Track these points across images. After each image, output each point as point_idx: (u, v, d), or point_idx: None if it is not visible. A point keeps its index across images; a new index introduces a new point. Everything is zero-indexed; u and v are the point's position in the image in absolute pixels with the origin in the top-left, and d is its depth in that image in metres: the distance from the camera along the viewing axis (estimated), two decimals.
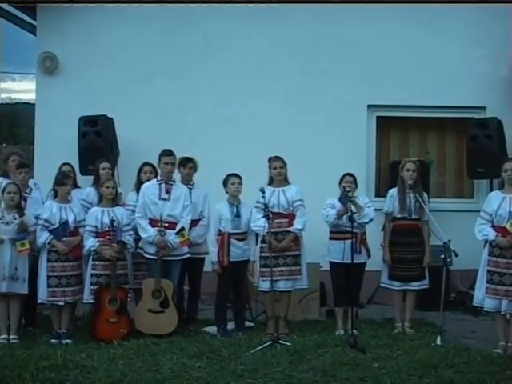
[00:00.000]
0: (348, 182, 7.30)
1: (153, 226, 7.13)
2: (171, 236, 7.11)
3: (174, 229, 7.14)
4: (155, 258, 7.10)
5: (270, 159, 7.33)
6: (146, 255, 7.23)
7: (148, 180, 7.45)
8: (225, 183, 7.37)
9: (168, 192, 7.21)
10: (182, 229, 7.11)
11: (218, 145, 9.09)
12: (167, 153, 7.27)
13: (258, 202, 7.18)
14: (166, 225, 7.09)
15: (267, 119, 9.20)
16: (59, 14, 9.22)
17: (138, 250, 7.29)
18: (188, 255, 7.32)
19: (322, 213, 7.30)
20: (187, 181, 7.54)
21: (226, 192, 7.38)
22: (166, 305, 7.05)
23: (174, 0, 9.02)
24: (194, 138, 9.02)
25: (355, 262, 6.97)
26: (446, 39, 9.23)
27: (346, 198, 7.12)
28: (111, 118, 8.94)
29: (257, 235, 7.35)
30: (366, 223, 7.32)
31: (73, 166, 7.78)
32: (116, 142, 8.99)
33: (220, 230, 7.28)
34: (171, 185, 7.26)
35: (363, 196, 7.57)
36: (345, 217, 7.10)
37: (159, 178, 7.32)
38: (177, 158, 7.44)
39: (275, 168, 7.28)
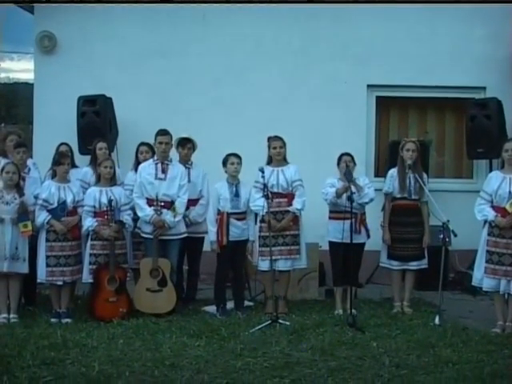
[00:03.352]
0: (346, 162, 7.26)
1: (149, 206, 7.10)
2: (168, 215, 7.09)
3: (170, 207, 7.11)
4: (152, 237, 7.09)
5: (270, 139, 7.31)
6: (143, 235, 7.23)
7: (145, 160, 7.43)
8: (224, 163, 7.33)
9: (164, 171, 7.19)
10: (172, 203, 7.10)
11: (217, 124, 9.04)
12: (162, 132, 7.23)
13: (257, 181, 7.16)
14: (162, 204, 7.07)
15: (266, 98, 9.13)
16: None
17: (136, 230, 7.27)
18: (186, 234, 7.31)
19: (321, 191, 7.28)
20: (185, 161, 7.52)
21: (225, 172, 7.34)
22: (163, 284, 7.05)
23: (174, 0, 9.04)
24: (193, 117, 8.98)
25: (354, 242, 6.95)
26: (446, 18, 9.14)
27: (349, 175, 7.09)
28: (110, 98, 8.87)
29: (255, 215, 7.34)
30: (367, 203, 7.30)
31: (70, 146, 7.74)
32: (115, 121, 8.94)
33: (219, 210, 7.25)
34: (167, 164, 7.23)
35: (363, 177, 7.55)
36: (344, 196, 7.06)
37: (155, 157, 7.29)
38: (175, 138, 7.42)
39: (275, 148, 7.25)
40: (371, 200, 7.29)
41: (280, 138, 7.28)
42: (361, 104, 9.24)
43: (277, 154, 7.24)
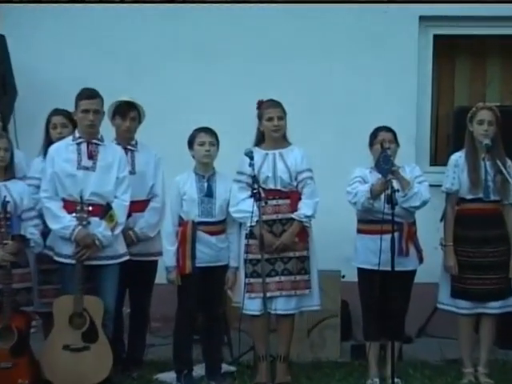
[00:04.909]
0: (384, 141, 7.24)
1: (69, 212, 7.02)
2: (100, 227, 7.02)
3: (104, 215, 7.08)
4: (73, 262, 7.01)
5: (262, 104, 7.29)
6: (57, 258, 7.14)
7: (61, 138, 7.37)
8: (190, 143, 7.31)
9: (92, 157, 7.14)
10: (109, 208, 7.06)
11: (179, 80, 9.11)
12: (87, 93, 7.15)
13: (241, 172, 7.19)
14: (90, 209, 7.00)
15: (260, 39, 9.17)
16: None
17: (45, 251, 7.23)
18: (127, 257, 7.29)
19: (346, 190, 7.23)
20: (127, 139, 7.51)
21: (193, 156, 7.33)
22: (92, 337, 7.01)
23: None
24: (140, 68, 9.13)
25: (398, 269, 6.90)
26: None
27: (386, 163, 7.01)
28: (2, 36, 8.89)
29: (240, 225, 7.33)
30: (417, 208, 7.21)
31: None
32: (11, 74, 8.93)
33: (181, 218, 7.26)
34: (97, 145, 7.17)
35: (412, 165, 7.50)
36: (383, 197, 6.99)
37: (77, 134, 7.21)
38: (110, 103, 7.42)
39: (271, 118, 7.22)
40: (424, 203, 7.20)
41: (278, 104, 7.26)
42: (409, 47, 9.24)
43: (273, 128, 7.20)
